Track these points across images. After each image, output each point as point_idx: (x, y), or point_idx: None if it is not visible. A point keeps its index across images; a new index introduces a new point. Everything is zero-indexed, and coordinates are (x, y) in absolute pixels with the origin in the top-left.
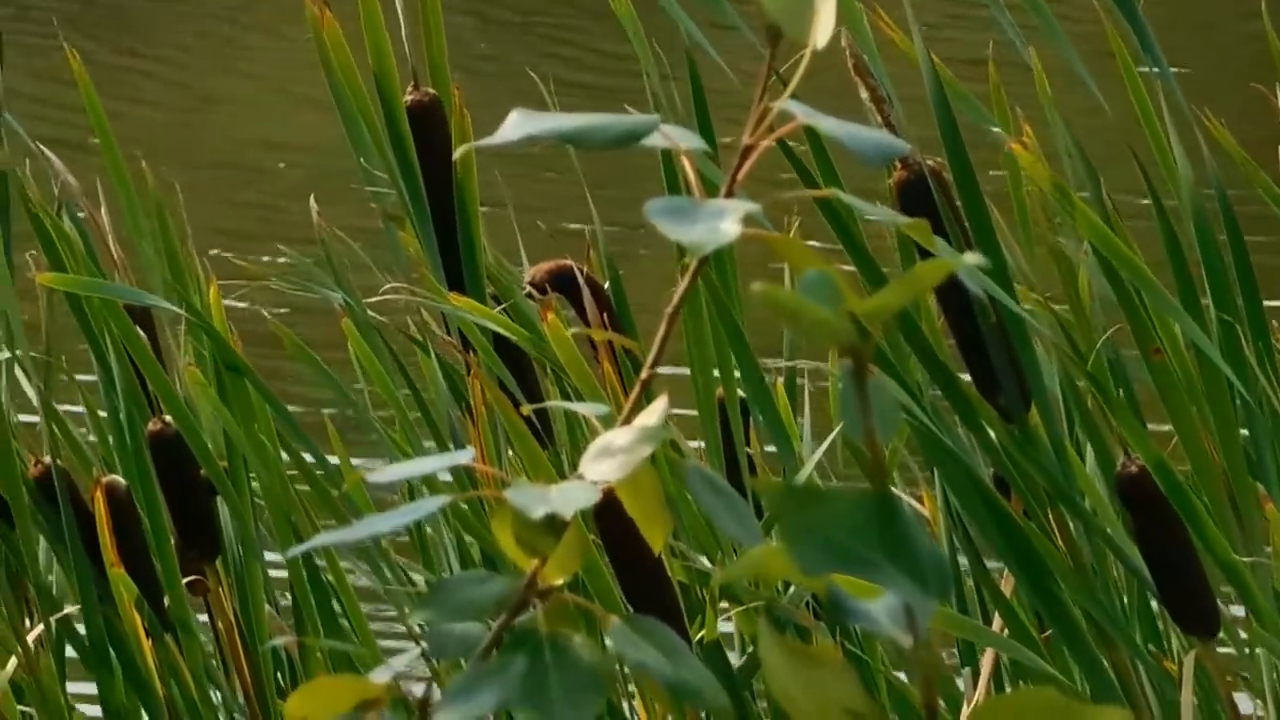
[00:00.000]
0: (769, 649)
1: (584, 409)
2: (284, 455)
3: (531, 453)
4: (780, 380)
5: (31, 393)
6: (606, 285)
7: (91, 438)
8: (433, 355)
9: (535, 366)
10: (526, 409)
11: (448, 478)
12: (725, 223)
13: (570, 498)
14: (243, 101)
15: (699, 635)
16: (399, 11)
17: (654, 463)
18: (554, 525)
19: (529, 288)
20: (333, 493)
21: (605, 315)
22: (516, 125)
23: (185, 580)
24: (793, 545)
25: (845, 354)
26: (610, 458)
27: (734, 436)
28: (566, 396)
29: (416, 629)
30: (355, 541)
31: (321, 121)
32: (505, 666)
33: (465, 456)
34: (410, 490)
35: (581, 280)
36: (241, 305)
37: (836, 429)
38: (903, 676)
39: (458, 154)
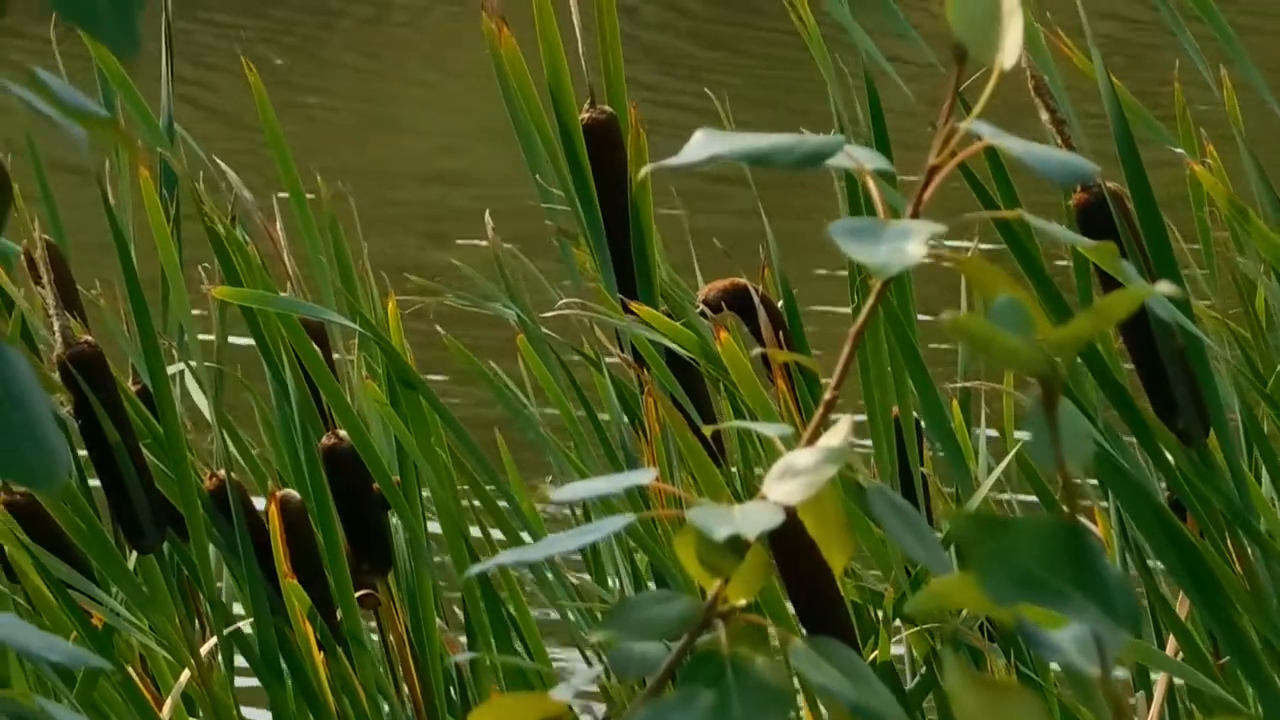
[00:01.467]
0: (956, 677)
1: (767, 429)
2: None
3: (705, 471)
4: (955, 399)
5: (205, 406)
6: (780, 303)
7: (252, 449)
8: (606, 372)
9: (708, 384)
10: (708, 430)
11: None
12: (910, 244)
13: (754, 519)
14: (416, 118)
15: (871, 656)
16: (576, 29)
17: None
18: (737, 546)
19: (703, 305)
20: (501, 505)
21: (780, 334)
22: (701, 145)
23: (357, 594)
24: (982, 574)
25: (1037, 382)
26: (793, 478)
27: (908, 456)
28: (739, 414)
29: (590, 642)
30: (537, 559)
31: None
32: (688, 691)
33: (647, 476)
34: (585, 509)
35: (757, 299)
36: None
37: (1012, 451)
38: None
39: (643, 173)
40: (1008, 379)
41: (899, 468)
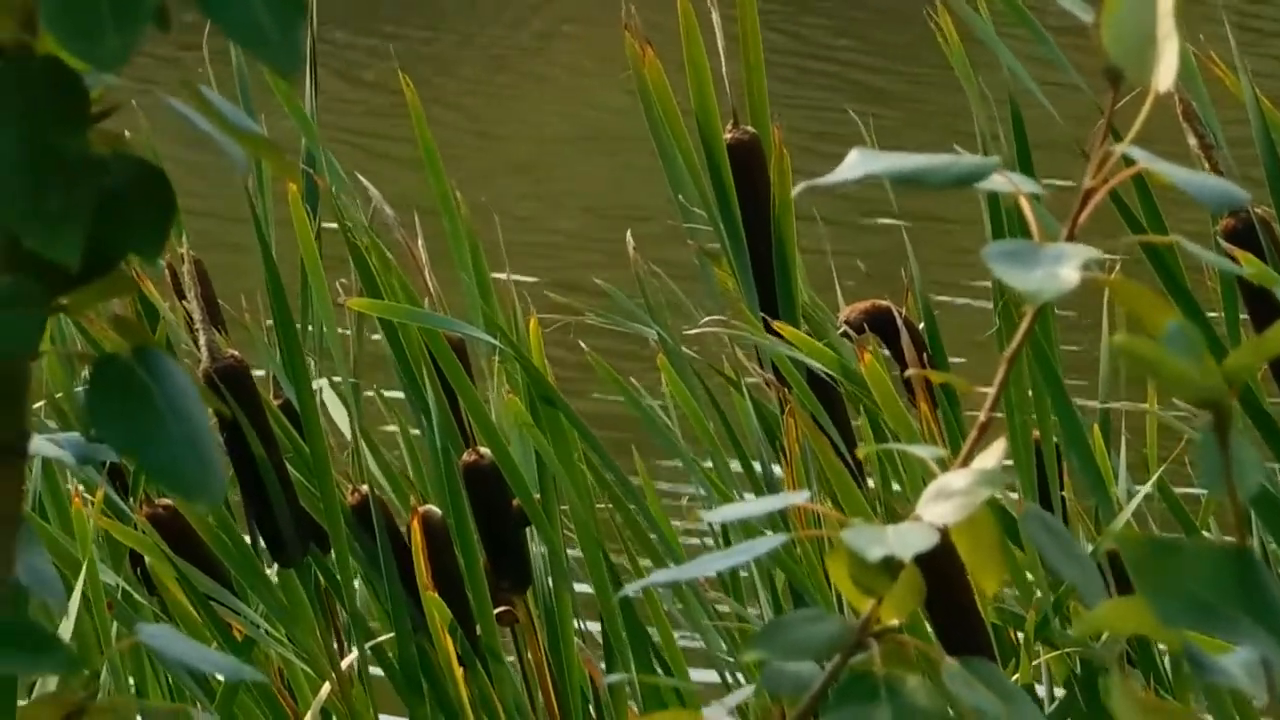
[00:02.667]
0: (1123, 699)
1: (920, 451)
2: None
3: (848, 491)
4: (1095, 422)
5: (344, 420)
6: (921, 325)
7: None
8: (745, 392)
9: (847, 405)
10: (863, 452)
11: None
12: (1065, 269)
13: (908, 540)
14: (552, 134)
15: (1012, 678)
16: (720, 50)
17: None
18: (890, 566)
19: (845, 326)
20: (638, 520)
21: (922, 356)
22: (856, 164)
23: (496, 611)
24: (1152, 598)
25: (1207, 409)
26: (948, 500)
27: (1048, 479)
28: (877, 435)
29: (730, 663)
30: (685, 580)
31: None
32: (846, 712)
33: (800, 498)
34: (725, 529)
35: (900, 321)
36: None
37: (1155, 474)
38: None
39: (796, 190)
40: (1150, 401)
41: (1038, 489)
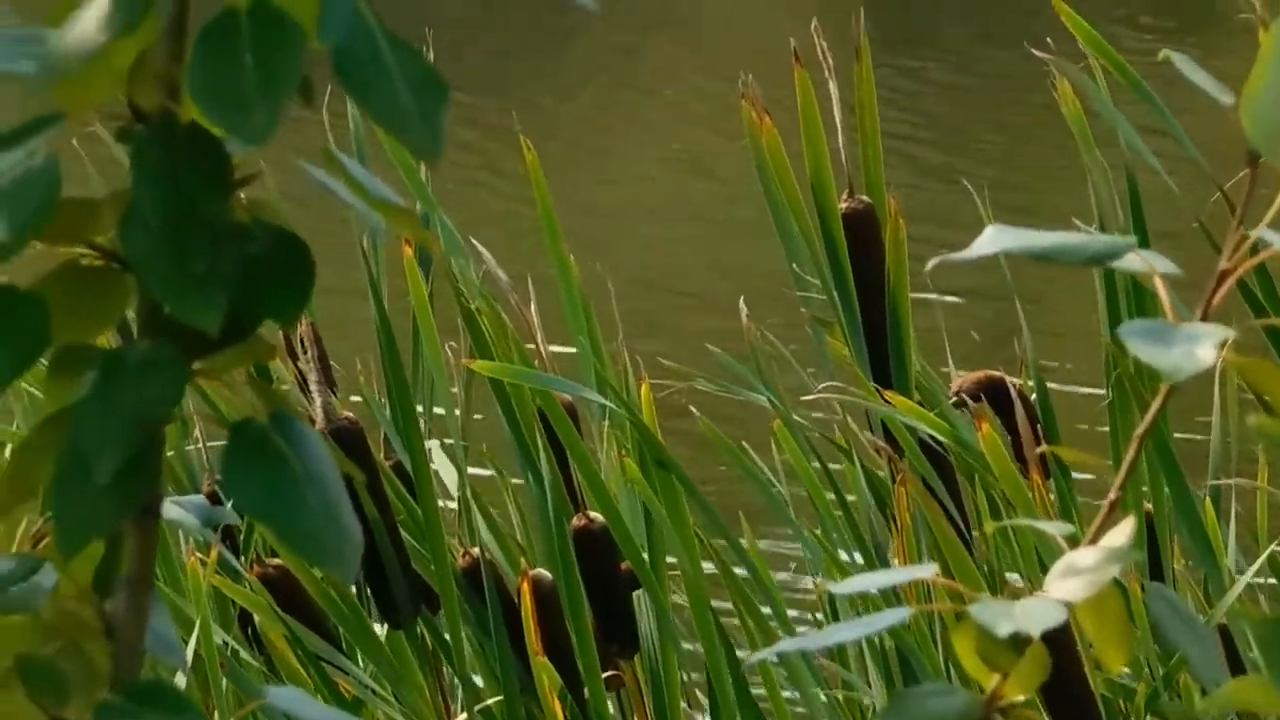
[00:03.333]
0: None
1: (1048, 528)
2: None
3: (960, 561)
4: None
5: (452, 482)
6: (1034, 396)
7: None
8: (856, 461)
9: (959, 475)
10: (991, 527)
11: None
12: (1201, 348)
13: (1037, 616)
14: (663, 199)
15: None
16: (836, 119)
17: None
18: (1017, 642)
19: (958, 396)
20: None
21: (1036, 428)
22: (992, 240)
23: (604, 674)
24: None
25: None
26: (1076, 577)
27: (1160, 551)
28: (992, 506)
29: None
30: (811, 650)
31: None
32: None
33: (927, 571)
34: (832, 602)
35: (1014, 392)
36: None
37: (1265, 550)
38: None
39: (931, 265)
40: (1261, 476)
41: (1149, 561)
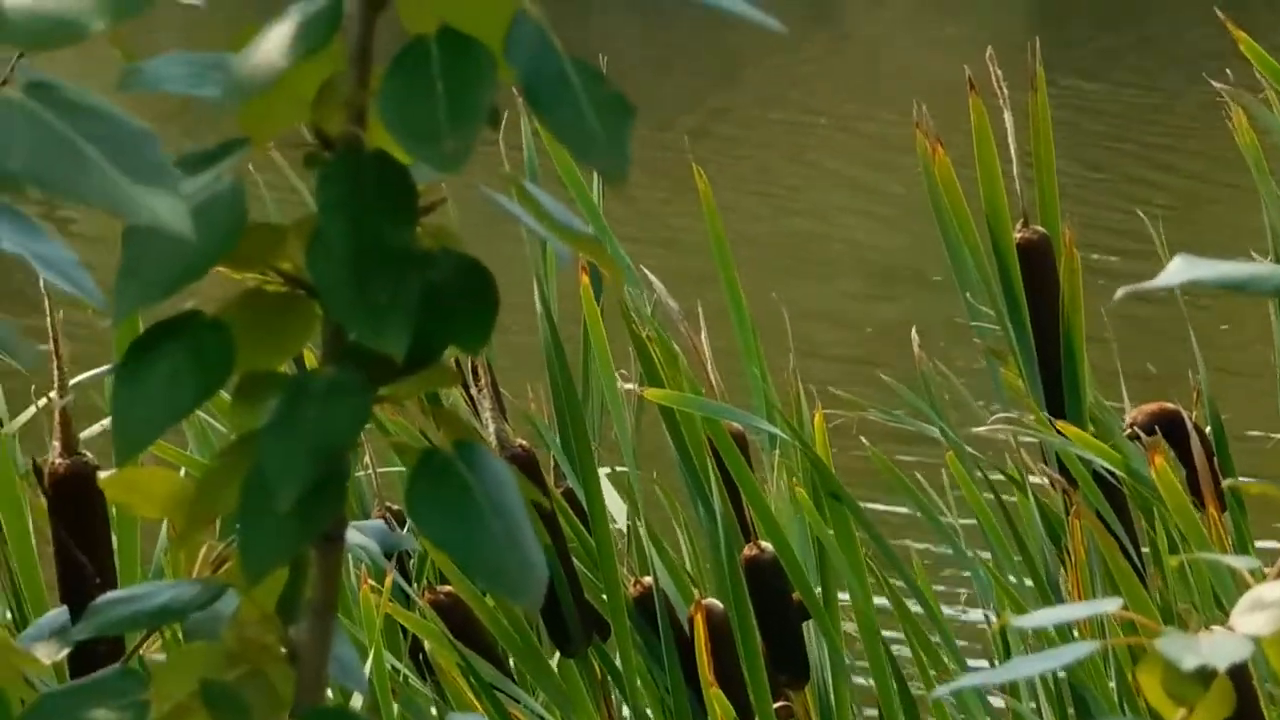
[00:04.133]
0: None
1: (1234, 562)
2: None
3: (1135, 594)
4: None
5: (621, 512)
6: (1208, 429)
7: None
8: (1029, 493)
9: (1132, 508)
10: (1175, 560)
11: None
12: None
13: (1223, 650)
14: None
15: None
16: (1011, 149)
17: None
18: (1203, 676)
19: (1133, 429)
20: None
21: (1212, 462)
22: (1180, 270)
23: (775, 705)
24: None
25: None
26: (1263, 611)
27: None
28: (1169, 539)
29: None
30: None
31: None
32: None
33: (1112, 605)
34: (1003, 634)
35: (1190, 426)
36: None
37: None
38: None
39: (1120, 294)
40: None
41: None
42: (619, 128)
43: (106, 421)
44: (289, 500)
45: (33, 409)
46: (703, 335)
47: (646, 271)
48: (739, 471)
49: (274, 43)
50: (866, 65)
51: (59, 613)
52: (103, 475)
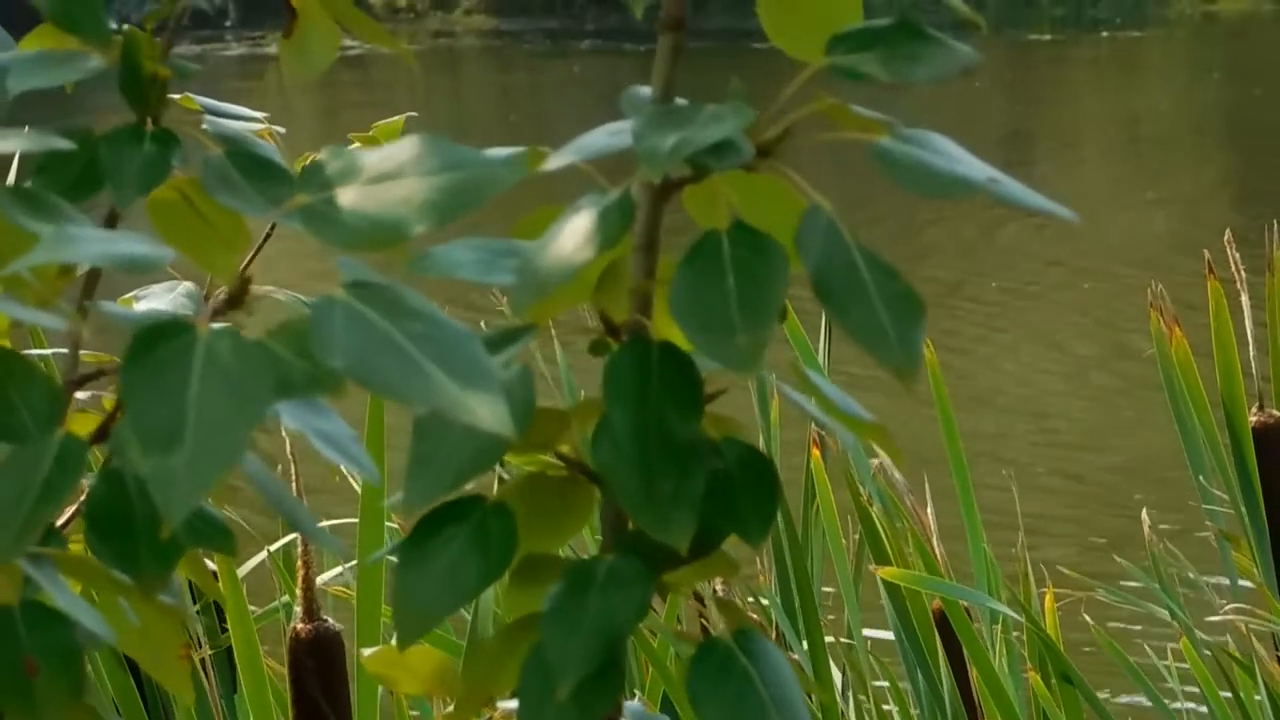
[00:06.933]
0: None
1: None
2: None
3: None
4: None
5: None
6: None
7: None
8: (1260, 682)
9: None
10: None
11: None
12: None
13: None
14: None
15: None
16: (1248, 332)
17: None
18: None
19: None
20: None
21: None
22: None
23: None
24: None
25: None
26: None
27: None
28: None
29: None
30: None
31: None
32: None
33: None
34: None
35: None
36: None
37: None
38: None
39: None
40: None
41: None
42: (911, 327)
43: (337, 570)
44: (569, 686)
45: (263, 554)
46: (929, 509)
47: (876, 449)
48: (974, 650)
49: (570, 239)
50: (1065, 230)
51: None
52: (366, 653)
